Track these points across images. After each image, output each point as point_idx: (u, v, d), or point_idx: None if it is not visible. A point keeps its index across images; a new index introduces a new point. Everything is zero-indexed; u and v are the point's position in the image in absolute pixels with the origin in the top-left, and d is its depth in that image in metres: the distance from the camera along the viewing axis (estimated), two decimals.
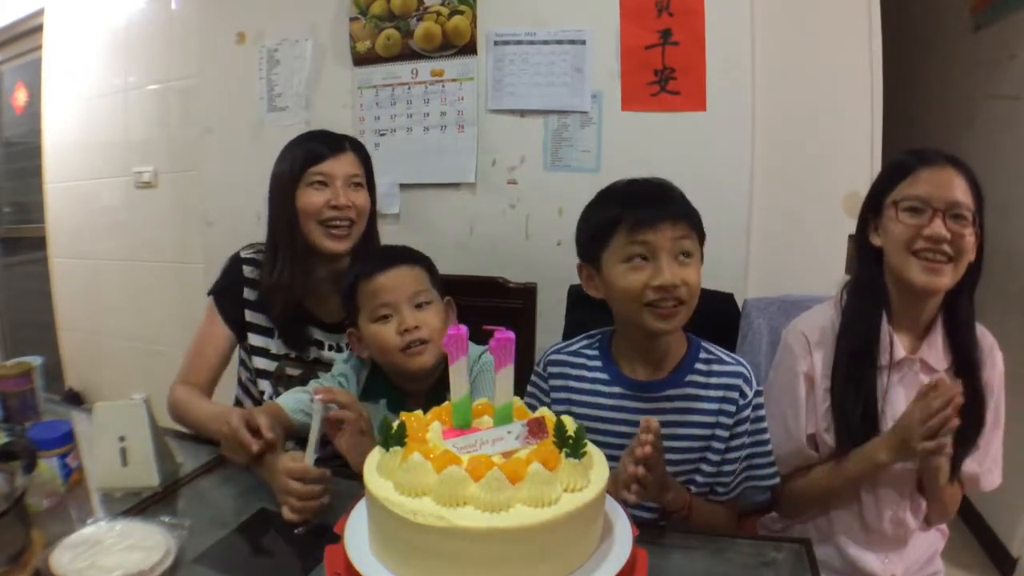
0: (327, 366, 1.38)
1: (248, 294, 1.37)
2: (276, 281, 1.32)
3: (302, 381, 1.36)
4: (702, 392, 1.09)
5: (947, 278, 1.07)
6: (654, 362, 1.11)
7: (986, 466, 1.16)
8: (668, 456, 1.06)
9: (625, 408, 1.10)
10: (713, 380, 1.09)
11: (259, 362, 1.38)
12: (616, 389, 1.11)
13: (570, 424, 0.70)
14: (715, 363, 1.10)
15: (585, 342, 1.18)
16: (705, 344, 1.14)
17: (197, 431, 1.26)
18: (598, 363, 1.14)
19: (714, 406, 1.08)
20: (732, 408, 1.08)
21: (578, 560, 0.65)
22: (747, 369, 1.10)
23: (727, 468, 1.09)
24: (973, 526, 2.08)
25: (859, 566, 1.20)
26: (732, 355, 1.13)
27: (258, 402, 1.41)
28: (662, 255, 1.02)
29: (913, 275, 1.08)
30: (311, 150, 1.34)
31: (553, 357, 1.18)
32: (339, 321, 1.39)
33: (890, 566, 1.20)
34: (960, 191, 1.07)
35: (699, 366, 1.10)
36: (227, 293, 1.38)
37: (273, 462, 1.01)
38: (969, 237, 1.06)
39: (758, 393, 1.10)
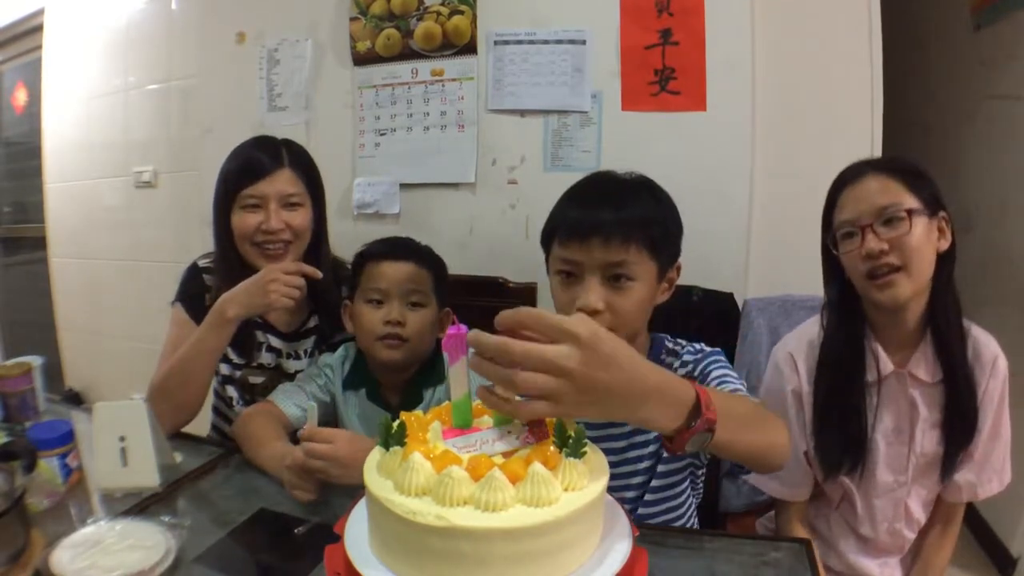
0: (288, 375, 1.38)
1: (209, 302, 1.34)
2: (218, 293, 1.30)
3: (265, 388, 1.37)
4: None
5: (904, 287, 1.03)
6: None
7: (985, 476, 1.14)
8: (639, 465, 1.02)
9: (588, 424, 1.04)
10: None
11: (223, 368, 1.39)
12: None
13: (570, 424, 0.70)
14: (675, 357, 1.05)
15: None
16: (669, 342, 1.07)
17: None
18: None
19: None
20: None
21: (578, 560, 0.65)
22: (702, 351, 1.03)
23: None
24: (973, 526, 2.08)
25: (858, 569, 1.20)
26: (695, 344, 1.06)
27: (229, 405, 1.41)
28: (588, 277, 0.95)
29: (874, 297, 1.06)
30: (245, 167, 1.29)
31: None
32: (295, 330, 1.41)
33: (888, 570, 1.21)
34: (883, 194, 1.03)
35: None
36: (192, 299, 1.35)
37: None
38: (914, 235, 1.01)
39: (699, 351, 1.03)
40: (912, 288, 1.04)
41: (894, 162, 1.07)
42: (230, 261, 1.32)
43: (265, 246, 1.29)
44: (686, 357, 1.04)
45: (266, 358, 1.39)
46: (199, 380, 1.24)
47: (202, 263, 1.41)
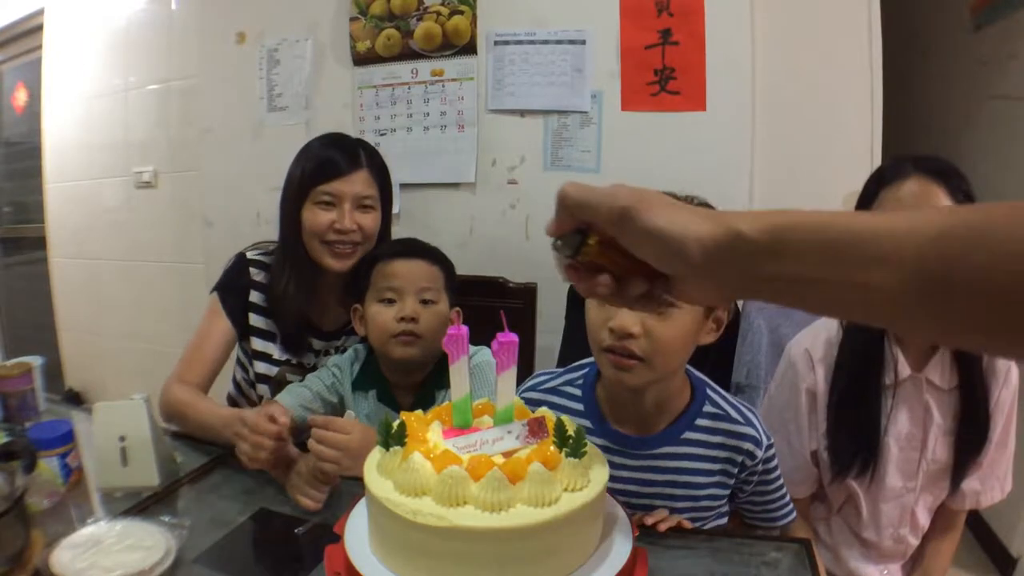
0: None
1: (254, 297, 1.35)
2: (283, 291, 1.31)
3: None
4: (702, 452, 0.95)
5: None
6: (643, 415, 0.95)
7: (988, 484, 1.14)
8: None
9: (610, 463, 0.97)
10: (716, 439, 0.95)
11: (260, 367, 1.38)
12: (599, 441, 0.95)
13: (570, 424, 0.70)
14: (722, 420, 0.96)
15: (568, 377, 1.03)
16: (712, 393, 0.98)
17: (197, 433, 1.22)
18: (580, 406, 0.99)
19: (716, 467, 0.96)
20: (735, 470, 0.96)
21: (578, 560, 0.65)
22: (758, 430, 0.96)
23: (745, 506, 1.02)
24: (973, 527, 2.08)
25: (858, 575, 1.20)
26: (742, 409, 0.98)
27: (254, 405, 1.41)
28: None
29: None
30: (324, 164, 1.29)
31: (528, 395, 1.02)
32: (340, 328, 1.40)
33: None
34: (927, 200, 1.00)
35: (702, 422, 0.96)
36: (232, 292, 1.35)
37: (288, 458, 1.02)
38: None
39: (769, 447, 0.97)
40: None
41: (938, 163, 1.04)
42: (297, 257, 1.32)
43: (335, 245, 1.29)
44: (741, 430, 0.95)
45: (308, 359, 1.39)
46: (200, 434, 1.22)
47: (250, 254, 1.38)
